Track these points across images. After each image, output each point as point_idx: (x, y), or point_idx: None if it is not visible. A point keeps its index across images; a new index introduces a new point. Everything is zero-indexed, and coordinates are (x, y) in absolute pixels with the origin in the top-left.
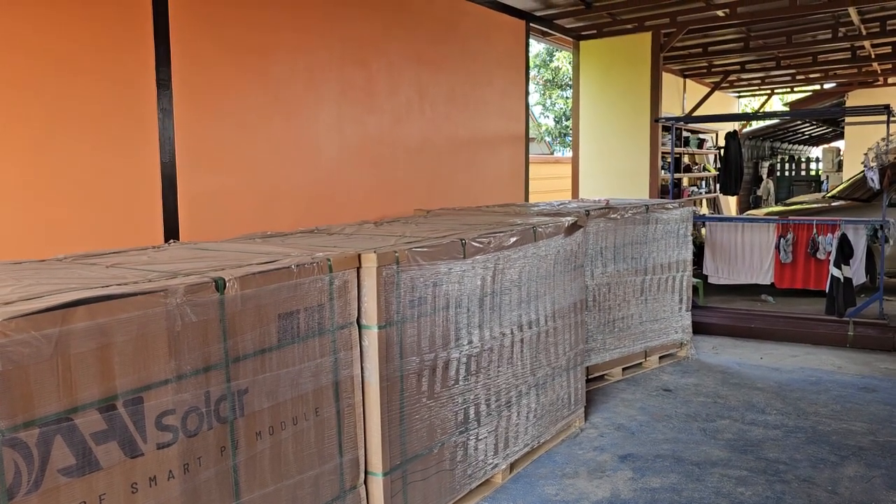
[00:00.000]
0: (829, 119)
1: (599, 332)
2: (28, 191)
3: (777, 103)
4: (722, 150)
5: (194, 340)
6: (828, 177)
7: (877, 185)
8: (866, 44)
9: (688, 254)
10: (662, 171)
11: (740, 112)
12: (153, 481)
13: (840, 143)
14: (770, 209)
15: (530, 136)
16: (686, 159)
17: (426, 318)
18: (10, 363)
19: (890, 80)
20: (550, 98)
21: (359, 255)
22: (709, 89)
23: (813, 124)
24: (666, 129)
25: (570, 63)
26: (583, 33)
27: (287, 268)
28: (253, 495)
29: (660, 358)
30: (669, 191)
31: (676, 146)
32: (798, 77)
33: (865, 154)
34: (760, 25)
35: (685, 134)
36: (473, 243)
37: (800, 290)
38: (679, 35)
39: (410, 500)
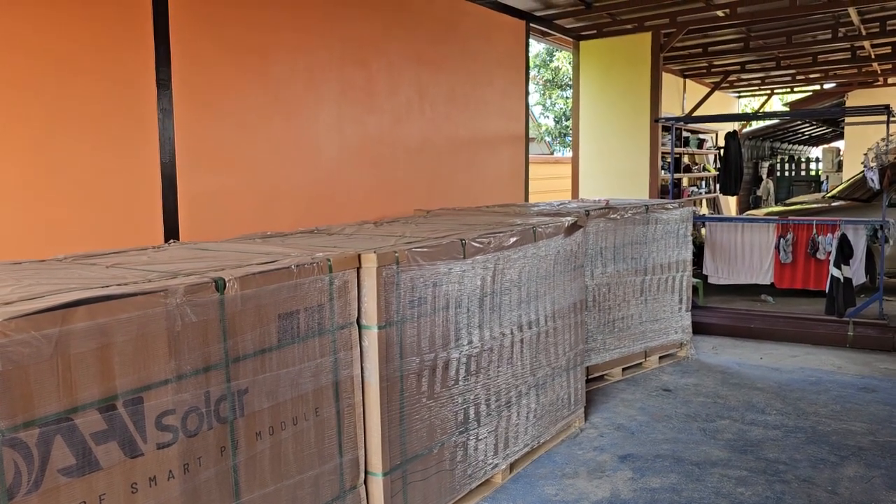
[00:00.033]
0: (828, 119)
1: (599, 332)
2: (28, 191)
3: (777, 103)
4: (722, 151)
5: (194, 340)
6: (828, 177)
7: (877, 186)
8: (866, 44)
9: (688, 254)
10: (662, 172)
11: (740, 112)
12: (153, 481)
13: (840, 144)
14: (770, 209)
15: (530, 136)
16: (686, 159)
17: (426, 319)
18: (10, 363)
19: (890, 81)
20: (550, 98)
21: (359, 256)
22: (709, 89)
23: (813, 124)
24: (666, 129)
25: (570, 63)
26: (583, 33)
27: (287, 268)
28: (253, 495)
29: (660, 358)
30: (669, 191)
31: (676, 146)
32: (798, 77)
33: (865, 154)
34: (760, 25)
35: (685, 134)
36: (473, 243)
37: (800, 290)
38: (679, 35)
39: (410, 500)
